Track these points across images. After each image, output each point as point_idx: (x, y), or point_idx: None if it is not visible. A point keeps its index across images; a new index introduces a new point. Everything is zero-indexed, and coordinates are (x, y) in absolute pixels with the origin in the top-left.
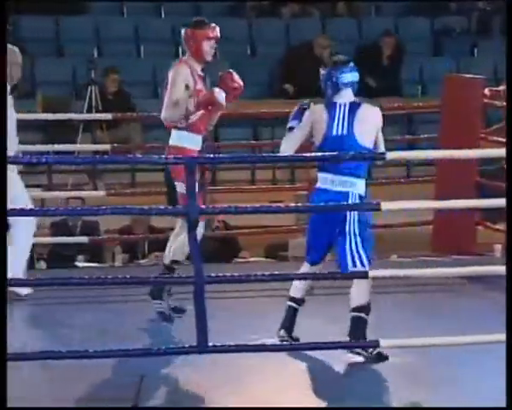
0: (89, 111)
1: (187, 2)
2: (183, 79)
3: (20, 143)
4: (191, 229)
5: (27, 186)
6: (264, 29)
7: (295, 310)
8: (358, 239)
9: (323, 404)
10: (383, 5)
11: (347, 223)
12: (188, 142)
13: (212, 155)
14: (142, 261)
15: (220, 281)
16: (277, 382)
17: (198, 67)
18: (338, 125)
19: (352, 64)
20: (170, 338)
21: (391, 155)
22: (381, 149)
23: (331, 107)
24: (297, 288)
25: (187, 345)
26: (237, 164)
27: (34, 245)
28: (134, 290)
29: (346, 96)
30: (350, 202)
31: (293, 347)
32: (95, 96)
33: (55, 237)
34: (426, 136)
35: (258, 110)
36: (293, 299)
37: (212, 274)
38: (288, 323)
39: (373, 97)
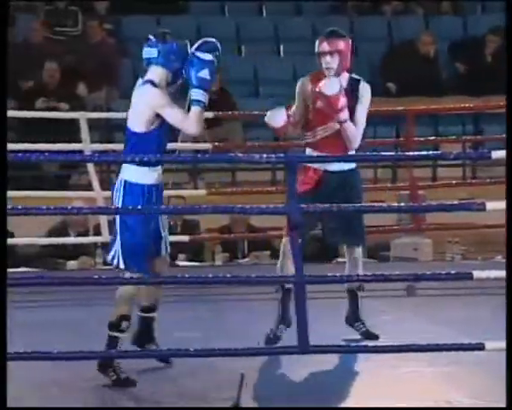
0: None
1: (289, 1)
2: None
3: (122, 142)
4: (293, 228)
5: None
6: (366, 27)
7: None
8: (118, 237)
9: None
10: (489, 3)
11: (115, 218)
12: None
13: (315, 155)
14: (241, 261)
15: (321, 281)
16: (380, 386)
17: None
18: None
19: (153, 39)
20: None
21: (497, 155)
22: (185, 127)
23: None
24: None
25: (288, 345)
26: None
27: None
28: (234, 290)
29: (147, 75)
30: (115, 188)
31: (396, 348)
32: None
33: None
34: None
35: None
36: None
37: (313, 274)
38: None
39: (480, 95)
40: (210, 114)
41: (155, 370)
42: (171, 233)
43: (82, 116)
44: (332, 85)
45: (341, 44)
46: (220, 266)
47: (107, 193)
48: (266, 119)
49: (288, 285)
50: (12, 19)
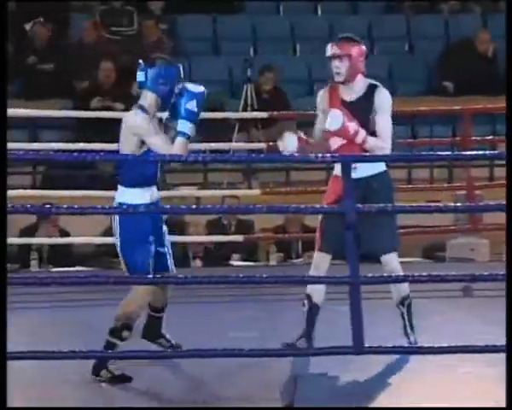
0: (244, 110)
1: (345, 1)
2: None
3: None
4: (348, 228)
5: (183, 185)
6: (423, 25)
7: None
8: (120, 244)
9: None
10: None
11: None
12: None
13: (369, 154)
14: (296, 261)
15: (376, 281)
16: (436, 387)
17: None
18: None
19: (142, 64)
20: (324, 338)
21: None
22: (159, 150)
23: None
24: None
25: (342, 346)
26: (394, 162)
27: (190, 244)
28: (289, 289)
29: (140, 100)
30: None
31: (453, 349)
32: (250, 95)
33: (210, 235)
34: None
35: (416, 108)
36: None
37: (369, 274)
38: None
39: None
40: (264, 114)
41: (208, 368)
42: (225, 233)
43: None
44: (333, 121)
45: (351, 49)
46: (274, 266)
47: (162, 192)
48: (280, 147)
49: (315, 300)
50: (66, 19)
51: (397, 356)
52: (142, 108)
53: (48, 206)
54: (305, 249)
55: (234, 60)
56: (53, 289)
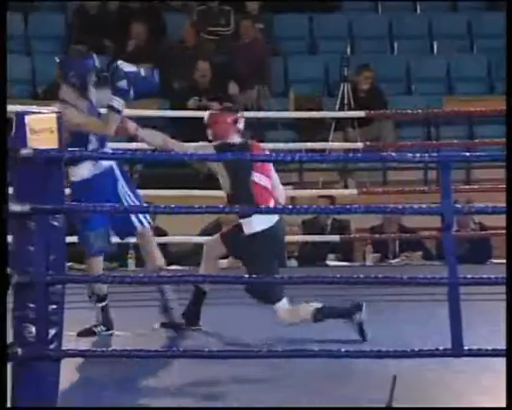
0: (341, 109)
1: (443, 1)
2: None
3: (273, 141)
4: (447, 228)
5: None
6: None
7: None
8: None
9: None
10: None
11: None
12: None
13: (467, 153)
14: (392, 261)
15: (476, 283)
16: None
17: None
18: None
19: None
20: (422, 339)
21: None
22: None
23: None
24: None
25: (441, 347)
26: (493, 162)
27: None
28: (386, 290)
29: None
30: None
31: None
32: (347, 94)
33: (306, 235)
34: None
35: None
36: None
37: (468, 275)
38: None
39: None
40: (361, 113)
41: (303, 369)
42: (321, 233)
43: None
44: None
45: None
46: (371, 266)
47: None
48: None
49: None
50: (163, 18)
51: (496, 358)
52: (63, 101)
53: (145, 205)
54: (402, 250)
55: (330, 59)
56: (150, 288)
